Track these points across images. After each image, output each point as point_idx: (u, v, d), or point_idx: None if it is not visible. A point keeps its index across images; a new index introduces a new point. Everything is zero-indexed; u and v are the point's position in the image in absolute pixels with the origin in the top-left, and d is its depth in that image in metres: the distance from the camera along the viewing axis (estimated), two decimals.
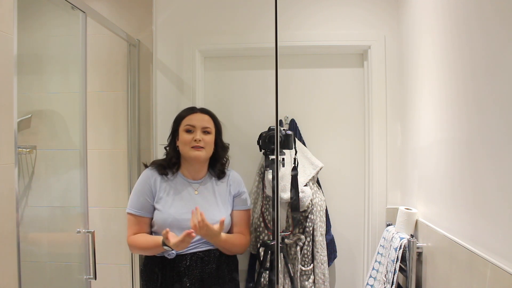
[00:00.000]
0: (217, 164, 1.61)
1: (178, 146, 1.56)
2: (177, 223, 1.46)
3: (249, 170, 1.98)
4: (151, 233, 1.54)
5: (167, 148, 1.61)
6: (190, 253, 1.47)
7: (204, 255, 1.48)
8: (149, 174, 1.55)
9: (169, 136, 1.61)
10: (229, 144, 1.66)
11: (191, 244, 1.46)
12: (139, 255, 1.97)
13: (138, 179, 1.57)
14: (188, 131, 1.52)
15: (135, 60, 2.08)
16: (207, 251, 1.49)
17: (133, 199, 1.52)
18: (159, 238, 1.41)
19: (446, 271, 1.30)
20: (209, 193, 1.56)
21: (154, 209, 1.51)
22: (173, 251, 1.44)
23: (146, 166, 1.61)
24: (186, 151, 1.51)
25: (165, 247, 1.39)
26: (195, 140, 1.49)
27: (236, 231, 1.58)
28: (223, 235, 1.48)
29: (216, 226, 1.41)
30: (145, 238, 1.48)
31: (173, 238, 1.37)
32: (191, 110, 1.58)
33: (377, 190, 1.90)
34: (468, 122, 1.16)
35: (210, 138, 1.54)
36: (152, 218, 1.52)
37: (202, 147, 1.50)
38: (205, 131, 1.53)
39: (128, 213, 1.52)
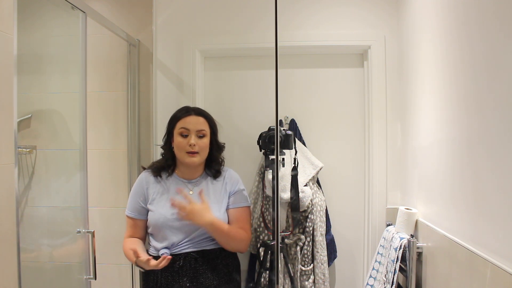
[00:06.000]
0: (213, 164, 1.59)
1: (173, 148, 1.55)
2: (169, 223, 1.46)
3: (249, 170, 1.98)
4: (146, 234, 1.56)
5: (163, 148, 1.61)
6: (184, 253, 1.46)
7: (197, 255, 1.47)
8: (143, 178, 1.57)
9: (164, 136, 1.59)
10: (224, 144, 1.64)
11: (184, 244, 1.47)
12: None
13: (134, 183, 1.59)
14: (183, 134, 1.50)
15: (135, 60, 2.08)
16: (201, 251, 1.48)
17: (129, 202, 1.56)
18: (133, 255, 1.36)
19: (446, 271, 1.30)
20: (204, 193, 1.56)
21: (148, 211, 1.52)
22: (167, 251, 1.45)
23: (144, 169, 1.62)
24: (181, 156, 1.51)
25: (138, 266, 1.39)
26: (190, 145, 1.48)
27: (237, 227, 1.57)
28: (225, 225, 1.47)
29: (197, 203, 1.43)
30: (128, 246, 1.45)
31: (148, 260, 1.33)
32: (186, 112, 1.54)
33: (377, 190, 1.90)
34: (468, 122, 1.16)
35: (205, 141, 1.52)
36: (147, 220, 1.53)
37: (196, 152, 1.49)
38: (200, 135, 1.51)
39: (126, 215, 1.56)
